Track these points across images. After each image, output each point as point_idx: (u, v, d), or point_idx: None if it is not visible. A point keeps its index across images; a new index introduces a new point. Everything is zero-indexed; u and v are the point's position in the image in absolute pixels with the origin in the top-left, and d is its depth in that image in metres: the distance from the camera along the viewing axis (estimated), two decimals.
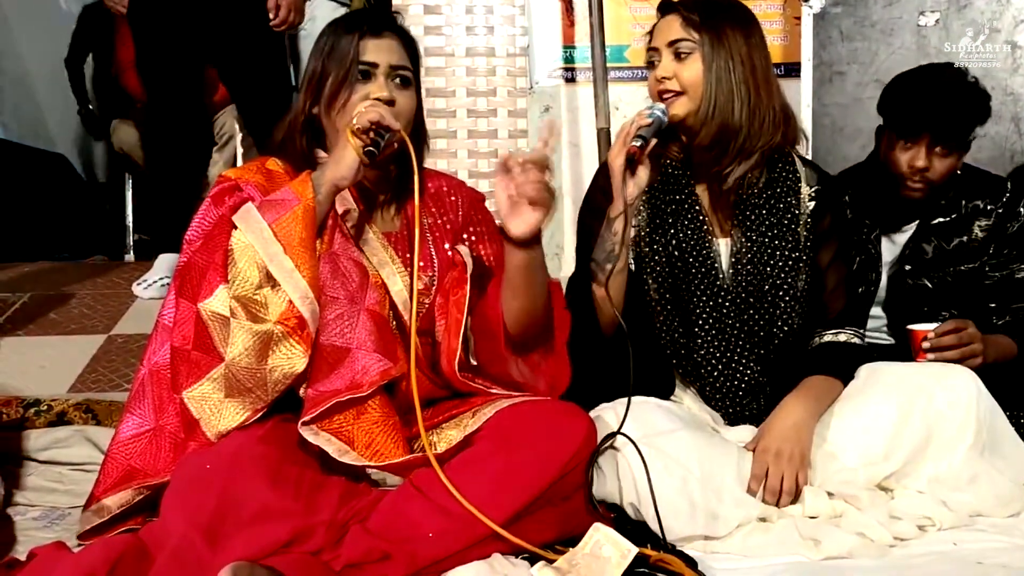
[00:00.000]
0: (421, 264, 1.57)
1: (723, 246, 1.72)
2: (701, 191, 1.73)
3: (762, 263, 1.70)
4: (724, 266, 1.71)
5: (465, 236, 1.67)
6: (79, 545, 1.41)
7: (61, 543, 1.37)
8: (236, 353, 1.38)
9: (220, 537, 1.26)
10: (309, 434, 1.37)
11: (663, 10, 1.71)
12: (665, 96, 1.65)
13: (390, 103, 1.52)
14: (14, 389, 1.92)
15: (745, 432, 1.65)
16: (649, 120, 1.58)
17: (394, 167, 1.60)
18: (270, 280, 1.41)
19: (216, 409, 1.41)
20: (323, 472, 1.38)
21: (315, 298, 1.42)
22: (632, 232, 1.61)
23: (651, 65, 1.69)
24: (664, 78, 1.65)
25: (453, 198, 1.69)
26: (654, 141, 1.58)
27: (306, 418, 1.37)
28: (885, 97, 2.02)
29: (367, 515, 1.35)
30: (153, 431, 1.45)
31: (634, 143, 1.55)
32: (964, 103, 1.91)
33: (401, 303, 1.54)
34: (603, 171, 1.77)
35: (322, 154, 1.59)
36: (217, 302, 1.41)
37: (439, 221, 1.66)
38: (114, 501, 1.43)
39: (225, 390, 1.41)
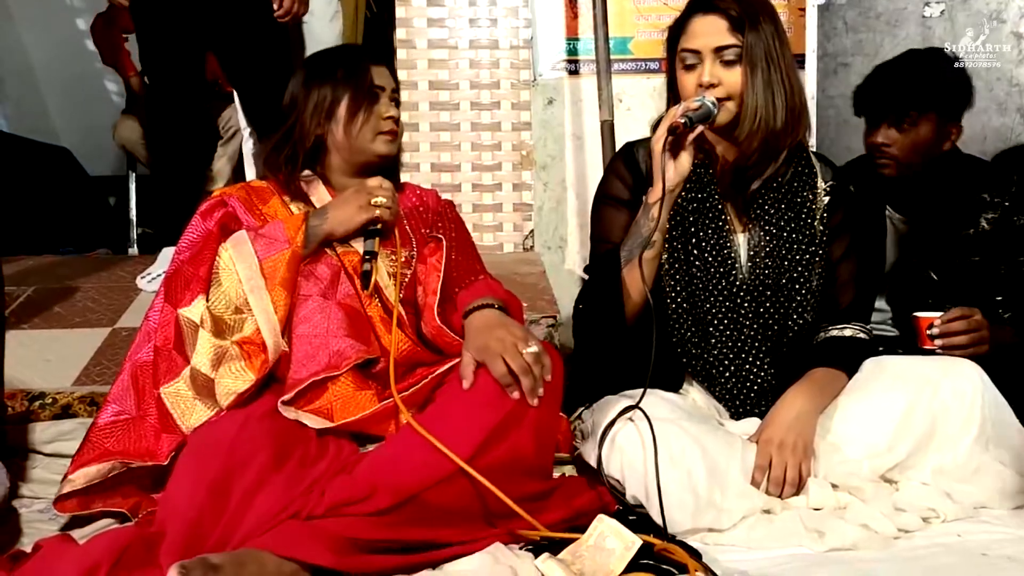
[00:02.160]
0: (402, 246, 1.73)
1: (742, 241, 1.71)
2: (722, 186, 1.71)
3: (780, 257, 1.69)
4: (743, 261, 1.70)
5: (437, 227, 1.79)
6: (84, 537, 1.42)
7: (67, 535, 1.38)
8: (199, 360, 1.53)
9: (225, 504, 1.31)
10: (290, 413, 1.46)
11: (702, 8, 1.64)
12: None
13: (397, 120, 1.75)
14: (19, 382, 1.92)
15: (750, 425, 1.65)
16: (697, 105, 1.55)
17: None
18: (247, 306, 1.56)
19: (188, 405, 1.51)
20: (320, 443, 1.45)
21: (280, 334, 1.55)
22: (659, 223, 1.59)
23: (684, 65, 1.65)
24: (710, 84, 1.60)
25: (425, 198, 1.85)
26: (700, 127, 1.55)
27: (285, 398, 1.47)
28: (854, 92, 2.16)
29: (353, 468, 1.39)
30: (133, 419, 1.52)
31: (679, 119, 1.52)
32: (903, 77, 2.02)
33: (384, 285, 1.65)
34: (621, 160, 1.76)
35: (308, 176, 1.76)
36: (194, 311, 1.55)
37: (415, 210, 1.82)
38: (83, 473, 1.48)
39: (194, 390, 1.52)
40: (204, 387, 1.51)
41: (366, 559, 1.29)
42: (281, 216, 1.69)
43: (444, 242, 1.73)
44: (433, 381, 1.54)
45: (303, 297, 1.60)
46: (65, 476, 1.50)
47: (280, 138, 1.74)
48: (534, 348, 1.46)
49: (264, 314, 1.54)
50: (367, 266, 1.62)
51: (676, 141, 1.54)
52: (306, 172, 1.76)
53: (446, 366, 1.56)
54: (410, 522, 1.32)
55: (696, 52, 1.63)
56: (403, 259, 1.70)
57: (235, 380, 1.49)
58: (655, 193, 1.57)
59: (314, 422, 1.46)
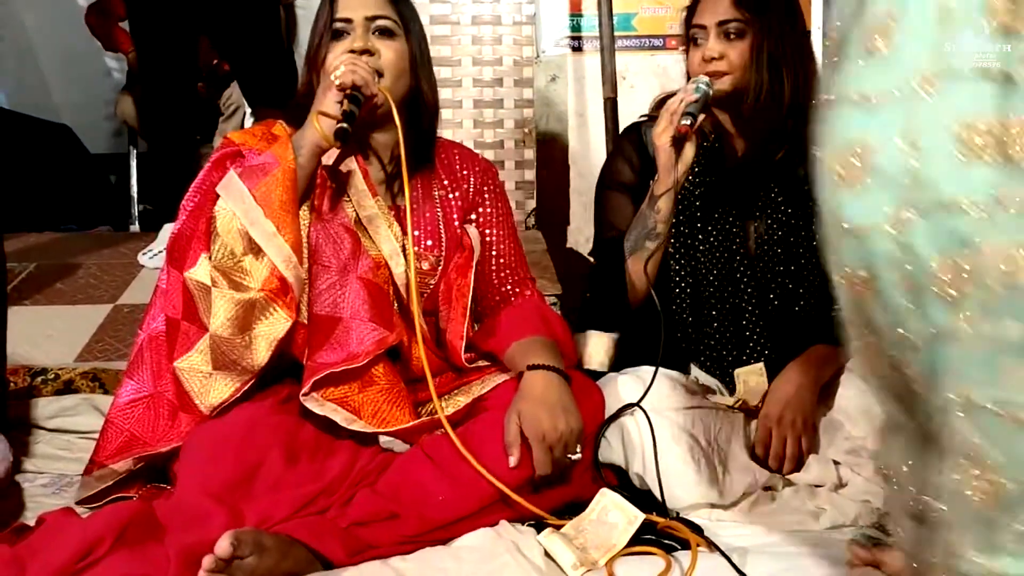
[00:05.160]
0: (429, 243, 1.56)
1: (750, 228, 1.70)
2: (730, 171, 1.70)
3: (789, 245, 1.68)
4: (750, 247, 1.69)
5: (474, 216, 1.63)
6: (85, 511, 1.42)
7: (69, 509, 1.38)
8: (218, 324, 1.37)
9: (236, 506, 1.27)
10: (314, 405, 1.37)
11: None
12: (711, 76, 1.61)
13: (365, 52, 1.46)
14: (22, 358, 1.92)
15: None
16: (696, 96, 1.55)
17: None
18: (252, 247, 1.38)
19: (204, 382, 1.40)
20: (335, 437, 1.39)
21: (298, 262, 1.40)
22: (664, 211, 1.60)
23: (694, 42, 1.65)
24: (712, 58, 1.60)
25: (465, 171, 1.64)
26: (702, 117, 1.56)
27: (305, 389, 1.37)
28: None
29: (375, 479, 1.36)
30: (151, 397, 1.45)
31: (683, 122, 1.52)
32: None
33: (403, 285, 1.51)
34: (628, 142, 1.75)
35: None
36: (201, 271, 1.39)
37: (450, 196, 1.61)
38: (116, 468, 1.44)
39: (212, 362, 1.40)
40: (223, 357, 1.38)
41: (373, 552, 1.30)
42: None
43: (475, 256, 1.56)
44: (465, 408, 1.48)
45: (321, 268, 1.44)
46: (88, 470, 1.46)
47: (298, 94, 1.55)
48: (578, 456, 1.40)
49: (272, 245, 1.37)
50: (343, 124, 1.37)
51: (679, 137, 1.54)
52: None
53: (481, 386, 1.50)
54: (431, 541, 1.33)
55: (703, 27, 1.64)
56: (428, 264, 1.54)
57: (273, 328, 1.37)
58: (661, 185, 1.57)
59: (343, 419, 1.37)
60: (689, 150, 1.56)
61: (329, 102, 1.41)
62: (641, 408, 1.50)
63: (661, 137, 1.55)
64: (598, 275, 1.69)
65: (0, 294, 1.65)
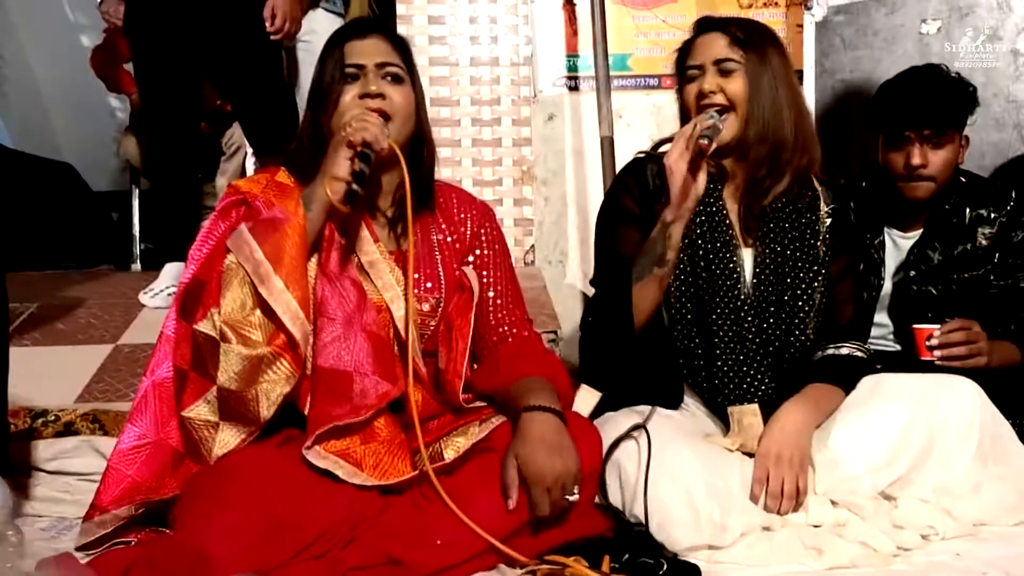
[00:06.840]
0: (429, 285, 1.58)
1: (747, 257, 1.72)
2: (730, 202, 1.73)
3: (784, 275, 1.70)
4: (747, 277, 1.71)
5: (471, 258, 1.65)
6: (84, 557, 1.42)
7: (69, 554, 1.38)
8: (225, 378, 1.38)
9: (237, 550, 1.26)
10: (316, 458, 1.38)
11: (704, 28, 1.73)
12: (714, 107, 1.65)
13: (379, 96, 1.51)
14: (22, 399, 1.93)
15: None
16: (709, 122, 1.58)
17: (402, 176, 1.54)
18: (261, 302, 1.39)
19: (212, 432, 1.42)
20: (334, 481, 1.39)
21: (305, 318, 1.41)
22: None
23: (689, 80, 1.70)
24: (710, 92, 1.65)
25: (463, 215, 1.67)
26: (715, 144, 1.58)
27: (308, 443, 1.38)
28: (871, 106, 2.08)
29: (374, 523, 1.37)
30: (154, 444, 1.46)
31: (702, 140, 1.54)
32: (940, 95, 1.97)
33: (404, 327, 1.53)
34: (631, 175, 1.78)
35: None
36: (209, 325, 1.40)
37: (449, 239, 1.64)
38: (118, 513, 1.44)
39: (220, 413, 1.42)
40: (232, 408, 1.40)
41: None
42: None
43: (476, 297, 1.60)
44: (464, 453, 1.47)
45: (327, 320, 1.44)
46: (88, 516, 1.45)
47: (299, 135, 1.58)
48: (576, 497, 1.41)
49: (281, 301, 1.38)
50: (354, 186, 1.40)
51: (695, 161, 1.56)
52: None
53: (480, 429, 1.50)
54: None
55: (699, 66, 1.69)
56: (429, 306, 1.57)
57: (279, 385, 1.39)
58: (672, 212, 1.59)
59: (345, 473, 1.37)
60: (701, 179, 1.58)
61: (341, 165, 1.43)
62: (646, 430, 1.50)
63: (677, 163, 1.56)
64: (602, 300, 1.71)
65: (2, 336, 1.65)
